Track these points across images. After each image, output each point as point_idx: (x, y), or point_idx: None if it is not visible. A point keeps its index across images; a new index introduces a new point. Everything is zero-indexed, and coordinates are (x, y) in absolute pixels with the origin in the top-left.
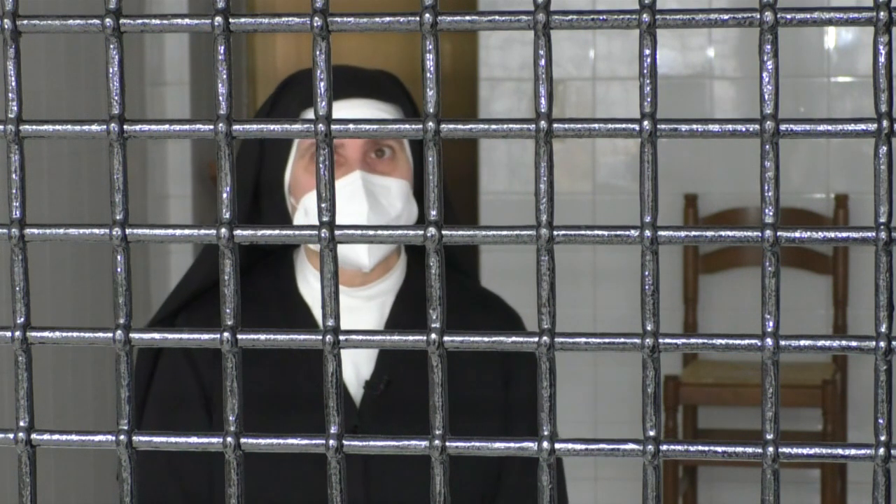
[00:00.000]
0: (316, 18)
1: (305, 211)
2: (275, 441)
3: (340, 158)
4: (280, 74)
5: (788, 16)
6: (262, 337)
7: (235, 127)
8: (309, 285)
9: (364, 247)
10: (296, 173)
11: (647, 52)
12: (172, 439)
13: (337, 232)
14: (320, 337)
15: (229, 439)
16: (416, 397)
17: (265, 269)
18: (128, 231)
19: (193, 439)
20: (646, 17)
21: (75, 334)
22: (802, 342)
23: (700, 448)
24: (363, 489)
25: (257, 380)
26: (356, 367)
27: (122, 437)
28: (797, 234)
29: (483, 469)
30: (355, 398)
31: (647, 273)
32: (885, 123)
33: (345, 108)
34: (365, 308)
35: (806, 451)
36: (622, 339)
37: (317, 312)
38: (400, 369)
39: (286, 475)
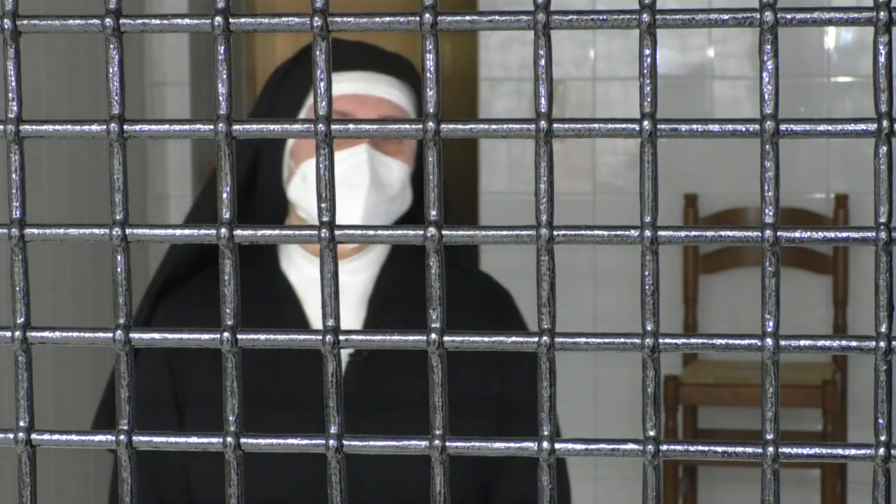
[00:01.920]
0: (316, 18)
1: (304, 177)
2: (274, 441)
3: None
4: None
5: (788, 16)
6: (263, 337)
7: (235, 127)
8: (291, 261)
9: (359, 210)
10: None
11: (647, 52)
12: (172, 439)
13: (337, 232)
14: (320, 337)
15: (229, 439)
16: (400, 367)
17: (249, 259)
18: (128, 231)
19: (193, 439)
20: (646, 17)
21: (75, 334)
22: (802, 342)
23: (700, 448)
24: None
25: (258, 379)
26: None
27: (122, 437)
28: (797, 234)
29: (475, 473)
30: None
31: (647, 273)
32: (885, 123)
33: (362, 79)
34: (350, 284)
35: (806, 451)
36: (622, 339)
37: (300, 290)
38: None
39: (268, 473)
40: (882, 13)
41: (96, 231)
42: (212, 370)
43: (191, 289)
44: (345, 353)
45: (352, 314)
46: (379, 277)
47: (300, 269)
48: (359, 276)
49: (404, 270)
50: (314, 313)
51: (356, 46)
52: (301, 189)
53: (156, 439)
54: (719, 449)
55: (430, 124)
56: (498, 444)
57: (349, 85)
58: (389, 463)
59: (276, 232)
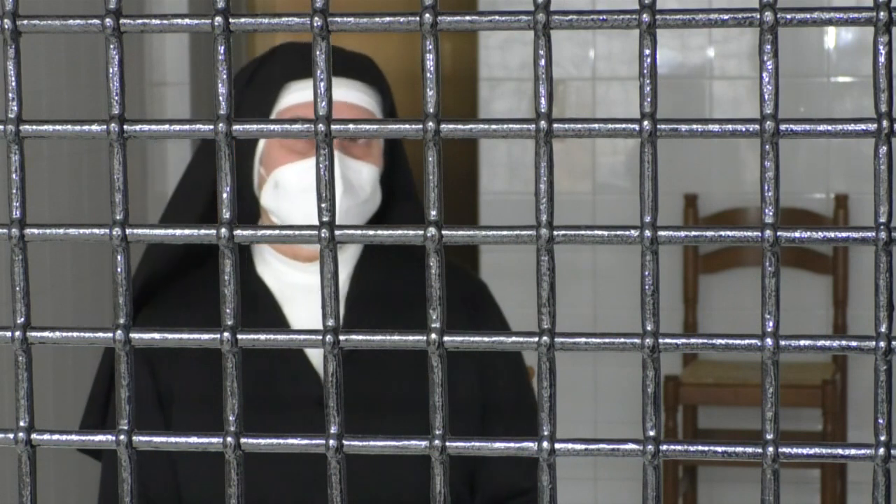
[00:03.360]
0: (316, 18)
1: (276, 184)
2: (274, 441)
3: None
4: None
5: (788, 16)
6: (263, 337)
7: (235, 127)
8: (266, 264)
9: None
10: (270, 145)
11: (647, 52)
12: (172, 439)
13: (337, 232)
14: (320, 337)
15: (229, 439)
16: (381, 363)
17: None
18: (128, 231)
19: (193, 439)
20: (646, 17)
21: (75, 334)
22: (802, 342)
23: (700, 448)
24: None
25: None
26: None
27: (121, 437)
28: (797, 234)
29: (460, 466)
30: (318, 368)
31: (647, 273)
32: (885, 123)
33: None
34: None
35: (806, 451)
36: (622, 339)
37: (277, 293)
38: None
39: (262, 474)
40: (882, 13)
41: (96, 231)
42: (198, 370)
43: (171, 295)
44: (318, 353)
45: None
46: (354, 276)
47: (277, 272)
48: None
49: (377, 268)
50: (294, 315)
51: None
52: (273, 196)
53: (156, 439)
54: (719, 449)
55: (430, 124)
56: (498, 444)
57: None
58: (372, 463)
59: (276, 232)
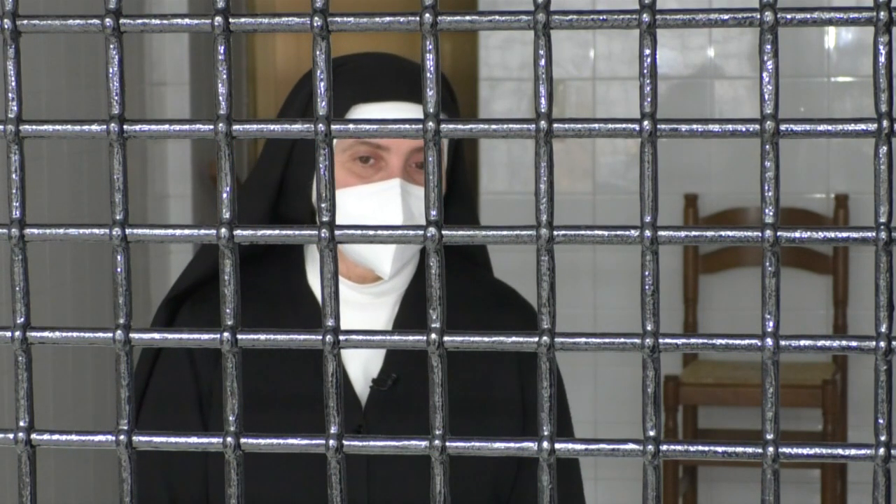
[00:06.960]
0: (316, 18)
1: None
2: (275, 441)
3: (382, 163)
4: (280, 74)
5: (788, 16)
6: (262, 337)
7: (235, 127)
8: (318, 276)
9: (388, 256)
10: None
11: (647, 52)
12: (172, 439)
13: (337, 232)
14: (320, 337)
15: (229, 439)
16: (424, 396)
17: (276, 259)
18: (128, 231)
19: (193, 439)
20: (646, 17)
21: (75, 334)
22: (802, 342)
23: (700, 448)
24: (366, 491)
25: (263, 378)
26: (365, 365)
27: (121, 437)
28: (797, 234)
29: (494, 473)
30: (361, 396)
31: (647, 273)
32: (885, 123)
33: (386, 111)
34: (375, 305)
35: (806, 451)
36: (622, 339)
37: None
38: (409, 367)
39: (287, 475)
40: (882, 13)
41: (96, 231)
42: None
43: (217, 289)
44: (366, 381)
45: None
46: (404, 299)
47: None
48: (385, 298)
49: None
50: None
51: (397, 74)
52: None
53: (156, 439)
54: (719, 449)
55: (430, 124)
56: (497, 445)
57: (383, 116)
58: (411, 468)
59: (276, 232)
